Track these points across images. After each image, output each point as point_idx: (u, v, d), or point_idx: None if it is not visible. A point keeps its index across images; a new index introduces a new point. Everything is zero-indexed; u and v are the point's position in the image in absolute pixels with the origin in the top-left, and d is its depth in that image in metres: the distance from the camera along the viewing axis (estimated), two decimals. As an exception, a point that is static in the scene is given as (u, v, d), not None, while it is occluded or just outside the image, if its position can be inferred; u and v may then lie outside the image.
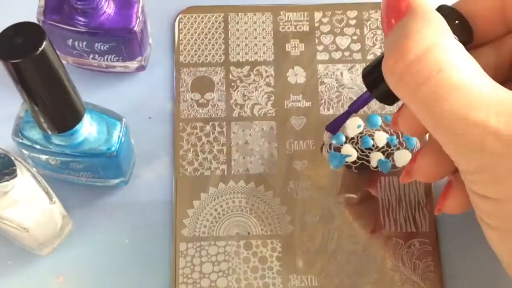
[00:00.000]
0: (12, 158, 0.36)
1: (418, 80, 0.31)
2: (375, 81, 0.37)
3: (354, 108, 0.41)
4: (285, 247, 0.42)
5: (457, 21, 0.35)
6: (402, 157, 0.44)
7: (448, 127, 0.32)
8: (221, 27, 0.47)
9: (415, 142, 0.44)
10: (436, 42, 0.32)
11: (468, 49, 0.33)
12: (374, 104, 0.45)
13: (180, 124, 0.44)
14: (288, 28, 0.47)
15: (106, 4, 0.41)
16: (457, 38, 0.33)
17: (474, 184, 0.33)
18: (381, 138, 0.44)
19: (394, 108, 0.45)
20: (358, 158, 0.43)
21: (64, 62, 0.40)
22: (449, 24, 0.33)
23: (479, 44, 0.36)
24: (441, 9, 0.34)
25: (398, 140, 0.44)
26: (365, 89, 0.39)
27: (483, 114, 0.31)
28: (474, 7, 0.36)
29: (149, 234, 0.42)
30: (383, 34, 0.46)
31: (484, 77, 0.32)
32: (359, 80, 0.46)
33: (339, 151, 0.43)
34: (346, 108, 0.45)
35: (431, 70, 0.31)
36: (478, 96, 0.31)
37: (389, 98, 0.37)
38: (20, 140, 0.38)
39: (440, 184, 0.43)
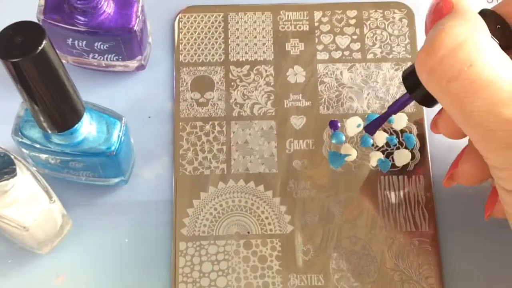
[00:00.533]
0: (12, 157, 0.36)
1: (449, 75, 0.31)
2: (414, 83, 0.36)
3: (394, 109, 0.40)
4: (284, 246, 0.42)
5: (498, 25, 0.34)
6: (402, 157, 0.44)
7: (479, 124, 0.32)
8: (221, 27, 0.47)
9: (415, 141, 0.44)
10: (469, 37, 0.31)
11: (509, 53, 0.32)
12: (374, 103, 0.45)
13: (180, 123, 0.44)
14: (288, 27, 0.47)
15: (106, 3, 0.41)
16: (498, 42, 0.32)
17: (502, 180, 0.34)
18: (380, 138, 0.44)
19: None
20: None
21: (64, 61, 0.40)
22: (489, 28, 0.33)
23: None
24: (482, 13, 0.34)
25: (397, 140, 0.44)
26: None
27: None
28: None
29: (149, 234, 0.42)
30: (382, 33, 0.47)
31: None
32: (359, 79, 0.46)
33: (339, 151, 0.44)
34: (347, 106, 0.45)
35: (463, 65, 0.31)
36: (509, 93, 0.31)
37: (428, 100, 0.36)
38: (20, 139, 0.38)
39: (440, 184, 0.43)
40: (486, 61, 0.31)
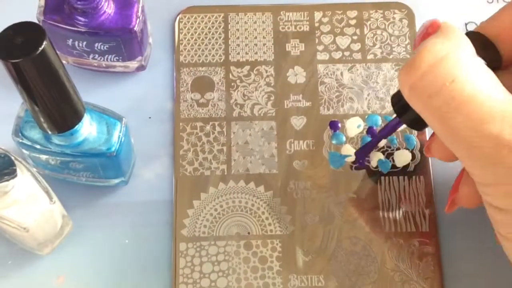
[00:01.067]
0: (12, 158, 0.36)
1: (430, 90, 0.31)
2: (403, 106, 0.36)
3: (384, 134, 0.41)
4: (285, 247, 0.42)
5: (484, 46, 0.34)
6: (402, 157, 0.44)
7: (463, 140, 0.31)
8: (221, 27, 0.47)
9: (415, 142, 0.44)
10: (450, 53, 0.31)
11: (496, 72, 0.32)
12: (374, 104, 0.45)
13: (180, 124, 0.44)
14: (288, 28, 0.47)
15: (106, 4, 0.41)
16: (486, 63, 0.32)
17: (489, 196, 0.33)
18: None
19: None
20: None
21: (64, 62, 0.40)
22: (476, 48, 0.33)
23: (505, 66, 0.36)
24: (469, 35, 0.34)
25: (398, 140, 0.44)
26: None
27: (498, 127, 0.30)
28: (497, 29, 0.35)
29: (149, 234, 0.42)
30: (382, 34, 0.47)
31: (500, 90, 0.31)
32: (359, 80, 0.46)
33: (339, 152, 0.44)
34: (347, 107, 0.45)
35: (444, 81, 0.31)
36: (491, 108, 0.31)
37: (418, 123, 0.36)
38: (20, 140, 0.38)
39: (440, 184, 0.43)
40: (467, 77, 0.31)
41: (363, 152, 0.43)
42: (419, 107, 0.33)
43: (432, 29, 0.33)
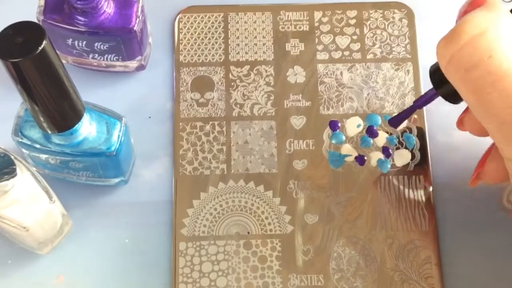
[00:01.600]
0: (12, 157, 0.36)
1: (468, 64, 0.31)
2: (441, 79, 0.36)
3: (419, 104, 0.40)
4: (284, 246, 0.42)
5: None
6: (402, 157, 0.44)
7: (495, 115, 0.32)
8: (221, 27, 0.47)
9: (415, 142, 0.44)
10: (490, 27, 0.31)
11: None
12: (374, 103, 0.45)
13: (180, 123, 0.44)
14: (288, 27, 0.47)
15: (106, 3, 0.41)
16: None
17: None
18: (381, 138, 0.44)
19: (392, 108, 0.45)
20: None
21: (64, 61, 0.40)
22: None
23: None
24: None
25: (397, 140, 0.44)
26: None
27: None
28: None
29: (149, 234, 0.42)
30: (382, 33, 0.47)
31: None
32: (359, 79, 0.46)
33: (339, 152, 0.44)
34: (347, 106, 0.45)
35: (482, 55, 0.31)
36: None
37: (454, 96, 0.36)
38: (20, 140, 0.38)
39: (440, 184, 0.43)
40: (506, 53, 0.31)
41: (396, 121, 0.43)
42: (455, 79, 0.33)
43: (476, 4, 0.33)
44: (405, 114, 0.42)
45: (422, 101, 0.40)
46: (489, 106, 0.32)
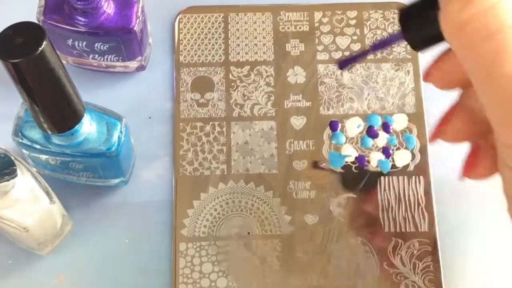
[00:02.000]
0: (12, 158, 0.36)
1: (483, 33, 0.29)
2: (414, 22, 0.33)
3: (376, 49, 0.36)
4: (285, 247, 0.42)
5: None
6: (402, 157, 0.44)
7: (501, 91, 0.29)
8: (221, 27, 0.47)
9: (415, 142, 0.44)
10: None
11: None
12: (374, 104, 0.45)
13: (180, 124, 0.44)
14: (288, 28, 0.47)
15: (106, 4, 0.41)
16: None
17: (509, 159, 0.31)
18: (381, 138, 0.44)
19: (393, 109, 0.45)
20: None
21: (64, 62, 0.40)
22: None
23: None
24: None
25: (398, 140, 0.44)
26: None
27: None
28: None
29: (149, 234, 0.42)
30: (382, 34, 0.47)
31: None
32: (359, 80, 0.45)
33: (339, 151, 0.44)
34: (347, 106, 0.45)
35: (502, 25, 0.28)
36: None
37: (423, 43, 0.33)
38: (20, 140, 0.38)
39: (440, 184, 0.43)
40: None
41: (345, 62, 0.38)
42: (463, 49, 0.30)
43: None
44: (357, 57, 0.38)
45: (381, 45, 0.36)
46: (496, 80, 0.29)
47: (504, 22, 0.29)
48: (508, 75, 0.29)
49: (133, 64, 0.45)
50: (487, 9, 0.29)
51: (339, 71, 0.46)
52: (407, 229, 0.42)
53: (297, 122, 0.45)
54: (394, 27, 0.47)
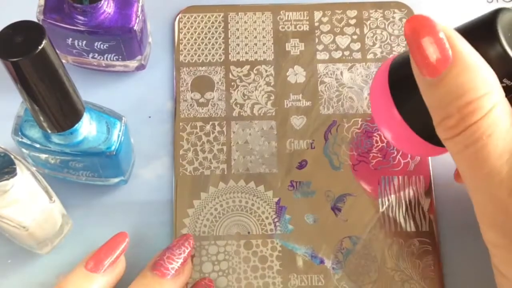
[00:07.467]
0: (12, 157, 0.36)
1: (468, 141, 0.32)
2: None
3: None
4: (285, 246, 0.42)
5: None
6: (401, 157, 0.44)
7: (485, 191, 0.32)
8: (221, 27, 0.47)
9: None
10: (494, 105, 0.31)
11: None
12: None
13: (180, 123, 0.44)
14: (288, 27, 0.47)
15: (106, 3, 0.41)
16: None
17: (501, 263, 0.34)
18: (380, 139, 0.44)
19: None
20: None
21: (63, 61, 0.40)
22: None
23: None
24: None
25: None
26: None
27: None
28: None
29: (149, 234, 0.42)
30: (382, 33, 0.47)
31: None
32: (359, 79, 0.45)
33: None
34: (347, 106, 0.45)
35: (483, 134, 0.31)
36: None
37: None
38: (20, 139, 0.38)
39: (440, 184, 0.43)
40: (503, 133, 0.31)
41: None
42: (452, 152, 0.33)
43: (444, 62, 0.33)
44: None
45: None
46: (480, 181, 0.33)
47: (484, 132, 0.31)
48: (483, 179, 0.32)
49: (133, 64, 0.45)
50: (474, 123, 0.31)
51: (339, 71, 0.46)
52: (407, 229, 0.42)
53: (297, 121, 0.45)
54: (394, 26, 0.47)
